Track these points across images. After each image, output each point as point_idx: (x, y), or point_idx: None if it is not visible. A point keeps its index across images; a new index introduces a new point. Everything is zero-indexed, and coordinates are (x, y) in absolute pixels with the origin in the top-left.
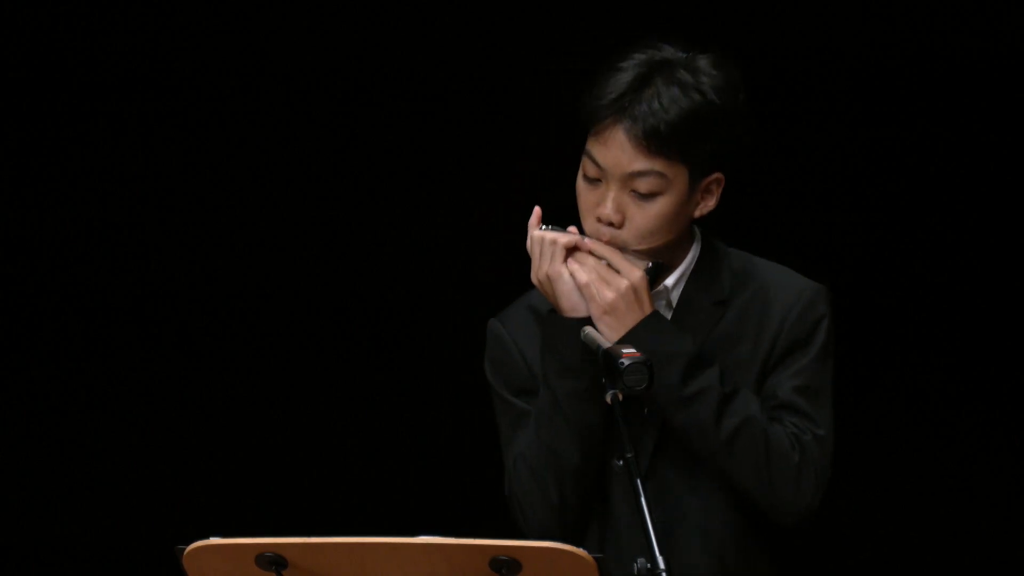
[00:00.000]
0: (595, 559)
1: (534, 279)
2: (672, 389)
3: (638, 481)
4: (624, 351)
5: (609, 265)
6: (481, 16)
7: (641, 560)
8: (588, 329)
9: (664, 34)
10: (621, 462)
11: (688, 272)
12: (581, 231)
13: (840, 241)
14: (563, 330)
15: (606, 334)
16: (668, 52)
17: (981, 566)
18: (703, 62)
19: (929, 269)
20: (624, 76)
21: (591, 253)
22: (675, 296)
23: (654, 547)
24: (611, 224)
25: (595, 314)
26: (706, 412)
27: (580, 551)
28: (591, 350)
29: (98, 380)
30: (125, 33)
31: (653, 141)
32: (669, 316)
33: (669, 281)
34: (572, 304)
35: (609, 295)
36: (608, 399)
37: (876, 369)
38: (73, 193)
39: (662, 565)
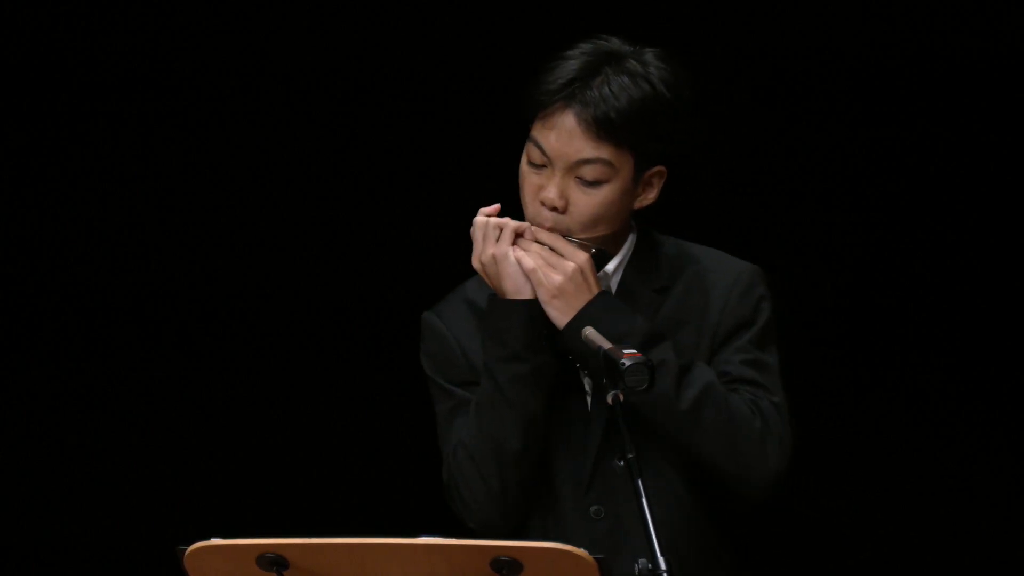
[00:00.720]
0: (596, 560)
1: (475, 263)
2: None
3: (639, 481)
4: (625, 351)
5: (552, 250)
6: (480, 16)
7: (643, 561)
8: (589, 330)
9: (611, 30)
10: (622, 462)
11: (626, 260)
12: (520, 219)
13: (839, 241)
14: (507, 313)
15: (555, 317)
16: (615, 44)
17: (978, 566)
18: (651, 55)
19: (928, 269)
20: (573, 63)
21: (535, 240)
22: (614, 283)
23: (655, 547)
24: (555, 209)
25: (543, 298)
26: (666, 384)
27: (581, 551)
28: (592, 350)
29: (99, 380)
30: (125, 33)
31: (603, 128)
32: None
33: (609, 267)
34: (517, 286)
35: (557, 278)
36: (609, 400)
37: (873, 369)
38: (73, 193)
39: (663, 565)
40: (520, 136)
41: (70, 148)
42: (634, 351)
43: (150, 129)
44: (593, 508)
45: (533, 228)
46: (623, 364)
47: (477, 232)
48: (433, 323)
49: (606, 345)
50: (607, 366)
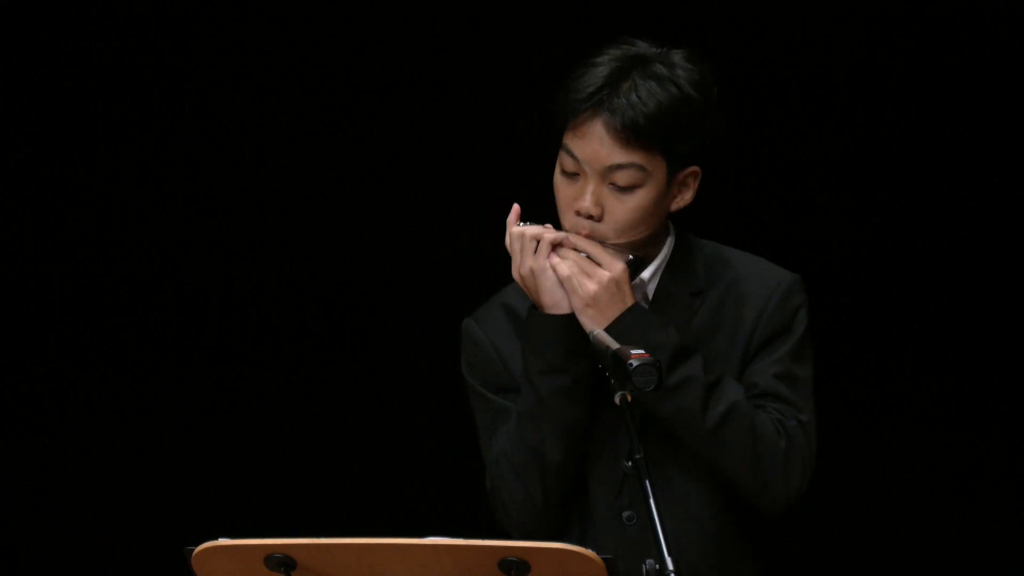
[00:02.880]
0: (604, 560)
1: (515, 275)
2: None
3: (647, 482)
4: (633, 352)
5: (590, 258)
6: (480, 15)
7: (650, 561)
8: (597, 332)
9: (637, 33)
10: (631, 463)
11: (664, 265)
12: (557, 227)
13: (839, 241)
14: (545, 327)
15: (587, 326)
16: (642, 48)
17: (975, 566)
18: (677, 57)
19: (928, 269)
20: (600, 70)
21: (573, 248)
22: (651, 289)
23: (663, 548)
24: (590, 217)
25: (577, 306)
26: (691, 401)
27: (589, 552)
28: (600, 352)
29: (106, 380)
30: (124, 33)
31: (632, 133)
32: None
33: (645, 274)
34: (555, 300)
35: (591, 287)
36: (617, 400)
37: (873, 367)
38: (73, 193)
39: (671, 566)
40: (552, 138)
41: (70, 148)
42: (642, 351)
43: (150, 129)
44: (625, 513)
45: (571, 236)
46: (631, 365)
47: (515, 244)
48: (472, 330)
49: (614, 345)
50: (615, 366)
